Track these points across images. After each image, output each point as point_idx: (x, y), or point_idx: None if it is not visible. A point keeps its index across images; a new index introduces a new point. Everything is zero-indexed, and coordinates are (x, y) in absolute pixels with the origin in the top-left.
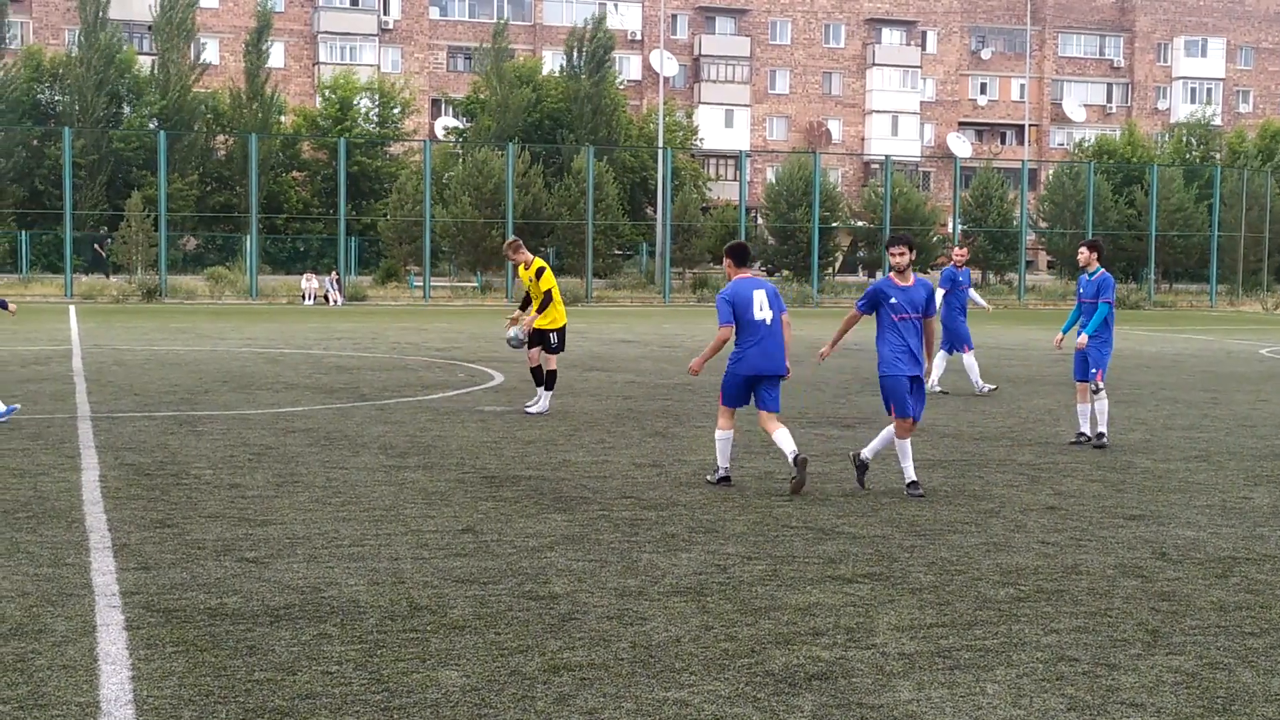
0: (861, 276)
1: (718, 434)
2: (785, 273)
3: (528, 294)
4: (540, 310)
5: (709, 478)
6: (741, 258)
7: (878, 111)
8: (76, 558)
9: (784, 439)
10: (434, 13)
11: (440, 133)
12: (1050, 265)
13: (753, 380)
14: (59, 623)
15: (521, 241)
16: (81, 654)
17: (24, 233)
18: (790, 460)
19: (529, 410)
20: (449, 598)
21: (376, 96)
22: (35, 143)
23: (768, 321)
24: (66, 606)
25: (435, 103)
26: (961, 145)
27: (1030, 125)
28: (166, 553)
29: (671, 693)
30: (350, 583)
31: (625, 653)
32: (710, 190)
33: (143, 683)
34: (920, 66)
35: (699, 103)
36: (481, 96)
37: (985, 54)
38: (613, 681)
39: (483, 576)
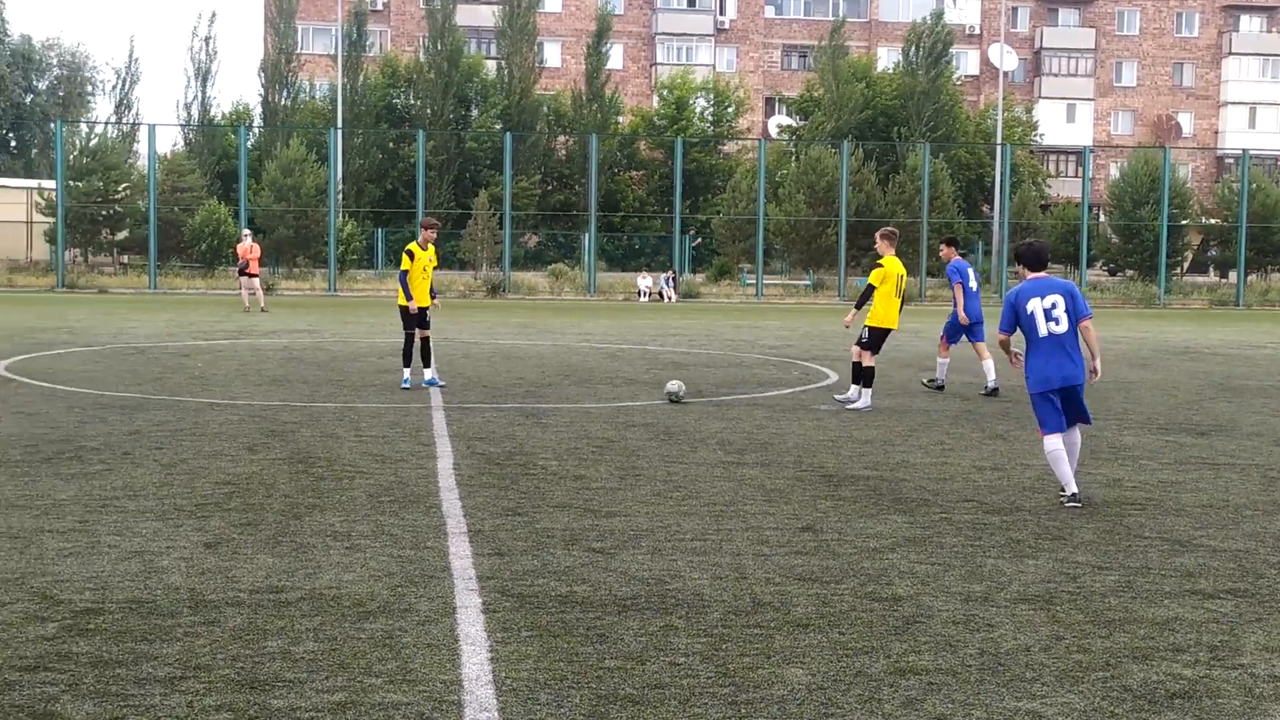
0: (1212, 276)
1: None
2: (1129, 273)
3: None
4: (859, 305)
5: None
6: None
7: (1234, 103)
8: (435, 542)
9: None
10: (769, 11)
11: (774, 131)
12: None
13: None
14: (422, 603)
15: (882, 234)
16: (444, 633)
17: (379, 230)
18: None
19: (840, 401)
20: (791, 595)
21: (712, 96)
22: (391, 145)
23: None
24: (428, 588)
25: (769, 101)
26: None
27: None
28: (518, 540)
29: (1023, 703)
30: (694, 576)
31: (973, 659)
32: (1050, 187)
33: (501, 664)
34: None
35: (1039, 97)
36: (815, 94)
37: None
38: (961, 688)
39: (824, 575)
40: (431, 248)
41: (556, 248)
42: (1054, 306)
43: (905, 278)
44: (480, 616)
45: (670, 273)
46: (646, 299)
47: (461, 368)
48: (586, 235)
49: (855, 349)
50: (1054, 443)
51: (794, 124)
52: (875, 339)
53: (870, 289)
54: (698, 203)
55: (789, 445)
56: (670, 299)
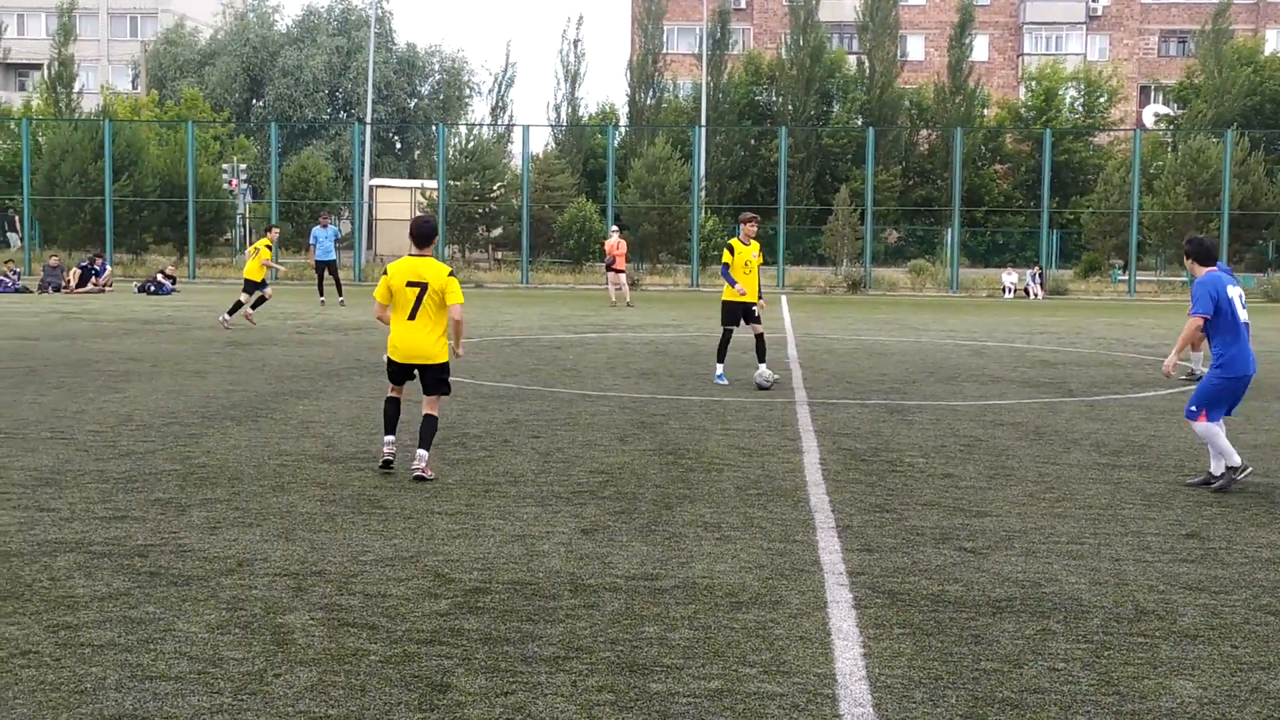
0: None
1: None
2: None
3: None
4: None
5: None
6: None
7: None
8: (804, 535)
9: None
10: None
11: (1149, 120)
12: None
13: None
14: (793, 596)
15: None
16: (815, 627)
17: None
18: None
19: None
20: (1177, 604)
21: (1082, 85)
22: (752, 141)
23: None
24: (799, 581)
25: (1144, 89)
26: None
27: None
28: (887, 536)
29: None
30: (1070, 580)
31: None
32: None
33: (874, 660)
34: None
35: None
36: (1196, 81)
37: None
38: None
39: (1213, 585)
40: (755, 243)
41: (917, 243)
42: (1241, 296)
43: None
44: (851, 612)
45: (1036, 269)
46: (1011, 295)
47: (824, 363)
48: (949, 230)
49: None
50: (1212, 426)
51: (1170, 113)
52: None
53: None
54: (1066, 198)
55: (1169, 448)
56: (1036, 295)
